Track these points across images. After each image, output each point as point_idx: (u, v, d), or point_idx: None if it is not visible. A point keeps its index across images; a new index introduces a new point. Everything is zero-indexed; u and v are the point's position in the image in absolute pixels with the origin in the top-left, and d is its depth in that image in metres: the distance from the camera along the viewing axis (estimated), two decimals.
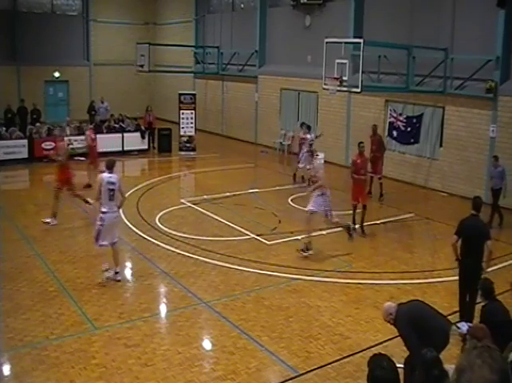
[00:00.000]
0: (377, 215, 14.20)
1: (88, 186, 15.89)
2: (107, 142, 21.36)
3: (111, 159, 10.15)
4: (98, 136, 21.25)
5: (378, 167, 15.70)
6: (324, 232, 12.69)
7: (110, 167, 9.83)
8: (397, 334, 6.28)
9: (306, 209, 11.60)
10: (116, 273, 9.86)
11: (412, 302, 6.48)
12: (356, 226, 12.79)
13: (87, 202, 13.50)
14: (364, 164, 13.06)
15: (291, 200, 15.40)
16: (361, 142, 13.42)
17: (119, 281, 9.79)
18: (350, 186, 13.29)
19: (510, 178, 13.95)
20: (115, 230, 10.01)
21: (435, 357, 4.54)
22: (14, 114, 23.79)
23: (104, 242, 9.76)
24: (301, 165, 17.06)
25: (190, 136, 22.76)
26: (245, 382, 6.90)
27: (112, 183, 9.65)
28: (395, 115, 18.38)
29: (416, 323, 5.96)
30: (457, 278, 8.56)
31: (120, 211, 10.65)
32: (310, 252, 11.21)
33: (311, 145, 16.88)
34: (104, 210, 9.64)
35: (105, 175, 9.74)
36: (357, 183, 12.91)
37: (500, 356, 2.84)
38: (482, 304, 6.56)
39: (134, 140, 22.22)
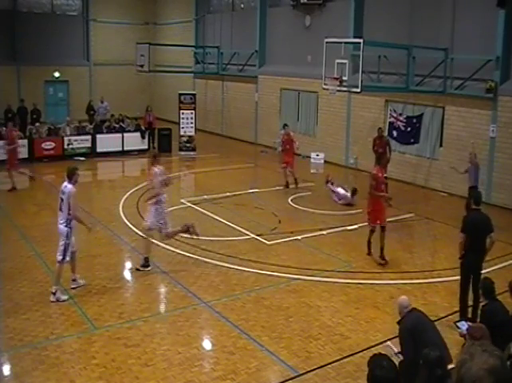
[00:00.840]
0: None
1: (14, 189, 15.90)
2: (107, 142, 21.48)
3: (69, 167, 9.45)
4: (98, 136, 21.45)
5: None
6: (324, 232, 12.70)
7: (68, 177, 9.17)
8: (397, 334, 6.27)
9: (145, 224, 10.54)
10: (53, 293, 8.94)
11: (421, 316, 6.27)
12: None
13: None
14: (383, 179, 11.43)
15: (291, 200, 15.40)
16: (379, 155, 13.01)
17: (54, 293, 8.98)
18: (365, 202, 11.99)
19: (510, 177, 13.94)
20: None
21: (439, 356, 4.50)
22: (14, 114, 23.76)
23: (64, 257, 9.18)
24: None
25: (190, 136, 22.76)
26: (245, 382, 6.90)
27: (63, 193, 9.05)
28: (395, 115, 18.36)
29: (414, 334, 5.95)
30: (457, 278, 8.56)
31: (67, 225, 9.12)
32: (149, 268, 10.39)
33: None
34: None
35: (64, 183, 9.20)
36: (378, 201, 11.10)
37: (499, 350, 2.86)
38: (483, 304, 6.57)
39: (134, 140, 22.22)
